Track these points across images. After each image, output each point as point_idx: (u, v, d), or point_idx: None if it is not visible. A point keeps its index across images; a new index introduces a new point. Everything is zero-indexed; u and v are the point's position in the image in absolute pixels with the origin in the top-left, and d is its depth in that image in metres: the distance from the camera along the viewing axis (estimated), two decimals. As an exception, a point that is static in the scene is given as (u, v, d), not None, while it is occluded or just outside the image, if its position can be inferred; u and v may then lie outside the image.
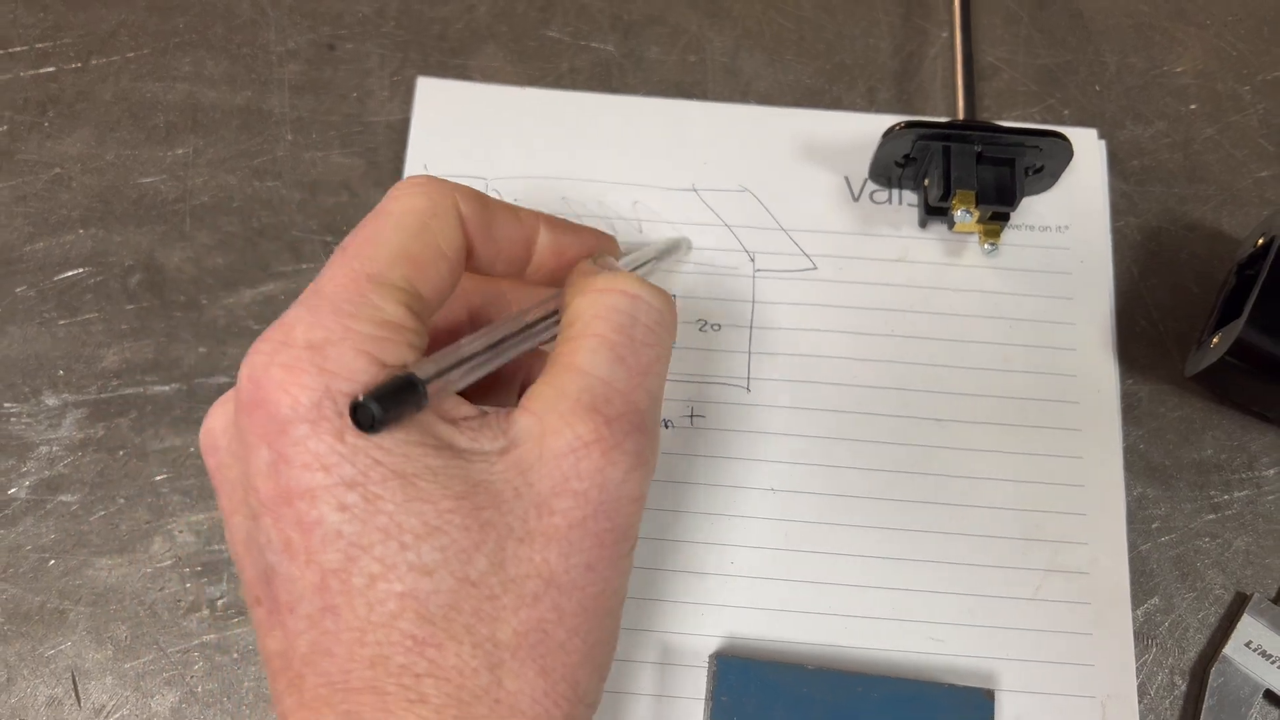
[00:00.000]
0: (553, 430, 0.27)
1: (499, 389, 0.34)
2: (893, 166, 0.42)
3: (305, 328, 0.26)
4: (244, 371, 0.26)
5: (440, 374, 0.26)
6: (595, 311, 0.29)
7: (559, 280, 0.33)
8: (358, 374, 0.25)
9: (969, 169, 0.40)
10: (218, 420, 0.28)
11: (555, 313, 0.31)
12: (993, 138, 0.40)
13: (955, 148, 0.40)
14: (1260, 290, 0.38)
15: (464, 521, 0.25)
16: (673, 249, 0.40)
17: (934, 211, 0.41)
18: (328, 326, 0.26)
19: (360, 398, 0.25)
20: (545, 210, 0.41)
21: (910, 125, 0.40)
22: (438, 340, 0.30)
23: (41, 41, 0.45)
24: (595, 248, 0.34)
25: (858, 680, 0.35)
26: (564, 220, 0.33)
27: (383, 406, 0.24)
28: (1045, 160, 0.41)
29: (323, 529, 0.25)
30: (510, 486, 0.26)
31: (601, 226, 0.42)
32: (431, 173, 0.43)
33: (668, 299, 0.30)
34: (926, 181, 0.41)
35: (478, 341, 0.28)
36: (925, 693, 0.35)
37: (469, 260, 0.30)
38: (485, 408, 0.28)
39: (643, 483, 0.28)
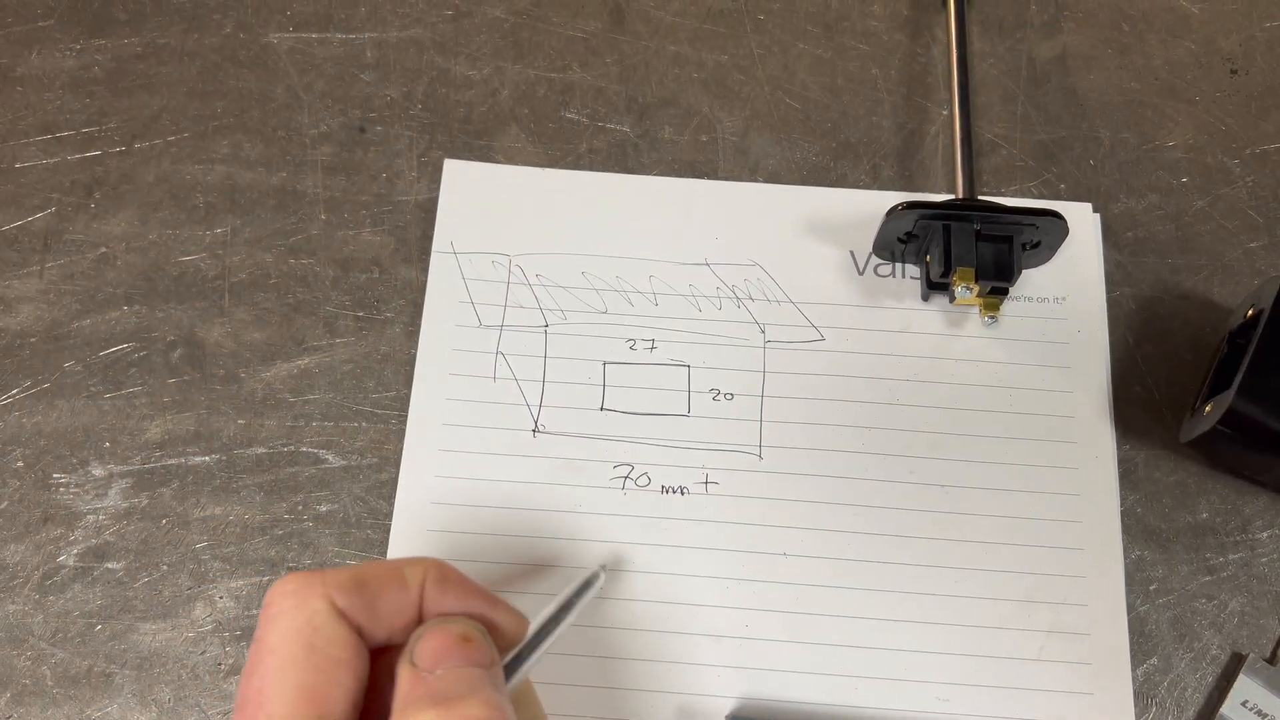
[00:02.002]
0: None
1: None
2: (895, 243, 0.44)
3: None
4: None
5: None
6: None
7: None
8: None
9: (968, 246, 0.42)
10: None
11: None
12: (991, 216, 0.42)
13: (955, 226, 0.42)
14: (1250, 361, 0.39)
15: None
16: (581, 592, 0.36)
17: (936, 286, 0.43)
18: None
19: None
20: (564, 284, 0.43)
21: (911, 205, 0.42)
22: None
23: (88, 127, 0.48)
24: (484, 619, 0.31)
25: (868, 741, 0.37)
26: (459, 582, 0.31)
27: None
28: (1042, 236, 0.43)
29: None
30: None
31: (618, 300, 0.44)
32: (457, 251, 0.45)
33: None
34: (928, 258, 0.43)
35: None
36: (932, 753, 0.37)
37: (364, 643, 0.29)
38: None
39: None
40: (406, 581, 0.30)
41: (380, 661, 0.30)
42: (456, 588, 0.31)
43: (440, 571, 0.31)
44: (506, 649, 0.32)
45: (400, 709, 0.28)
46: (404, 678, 0.29)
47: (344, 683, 0.28)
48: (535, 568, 0.41)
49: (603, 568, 0.38)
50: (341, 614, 0.29)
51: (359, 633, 0.29)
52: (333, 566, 0.32)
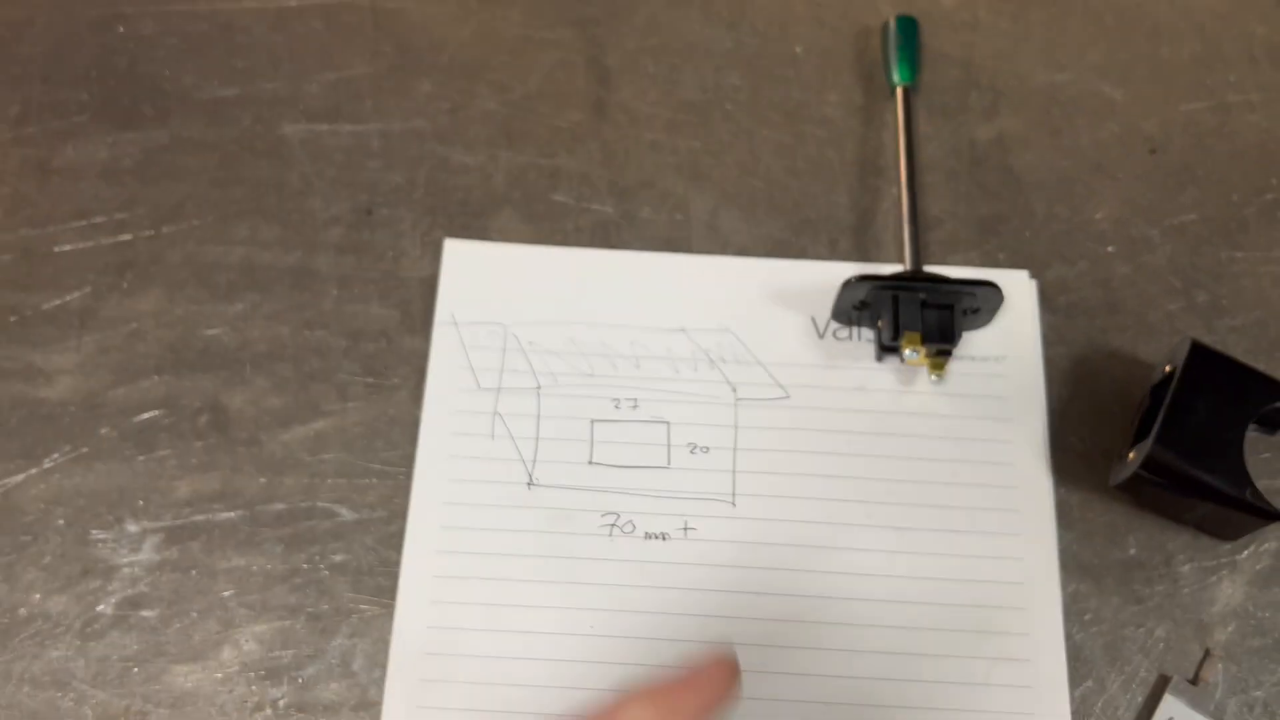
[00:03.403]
0: None
1: None
2: (851, 310, 0.49)
3: None
4: None
5: None
6: None
7: None
8: None
9: (915, 314, 0.47)
10: None
11: None
12: (935, 287, 0.47)
13: (903, 296, 0.47)
14: (1165, 414, 0.45)
15: None
16: None
17: (887, 349, 0.48)
18: None
19: None
20: (555, 349, 0.48)
21: (864, 278, 0.47)
22: None
23: (119, 213, 0.53)
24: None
25: (832, 759, 0.41)
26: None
27: None
28: (981, 304, 0.48)
29: None
30: None
31: (603, 364, 0.49)
32: (457, 322, 0.50)
33: None
34: (880, 324, 0.48)
35: None
36: (890, 769, 0.41)
37: None
38: None
39: None
40: None
41: None
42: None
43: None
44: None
45: None
46: None
47: None
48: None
49: None
50: None
51: None
52: None
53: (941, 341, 0.47)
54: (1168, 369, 0.47)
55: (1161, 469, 0.44)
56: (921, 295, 0.47)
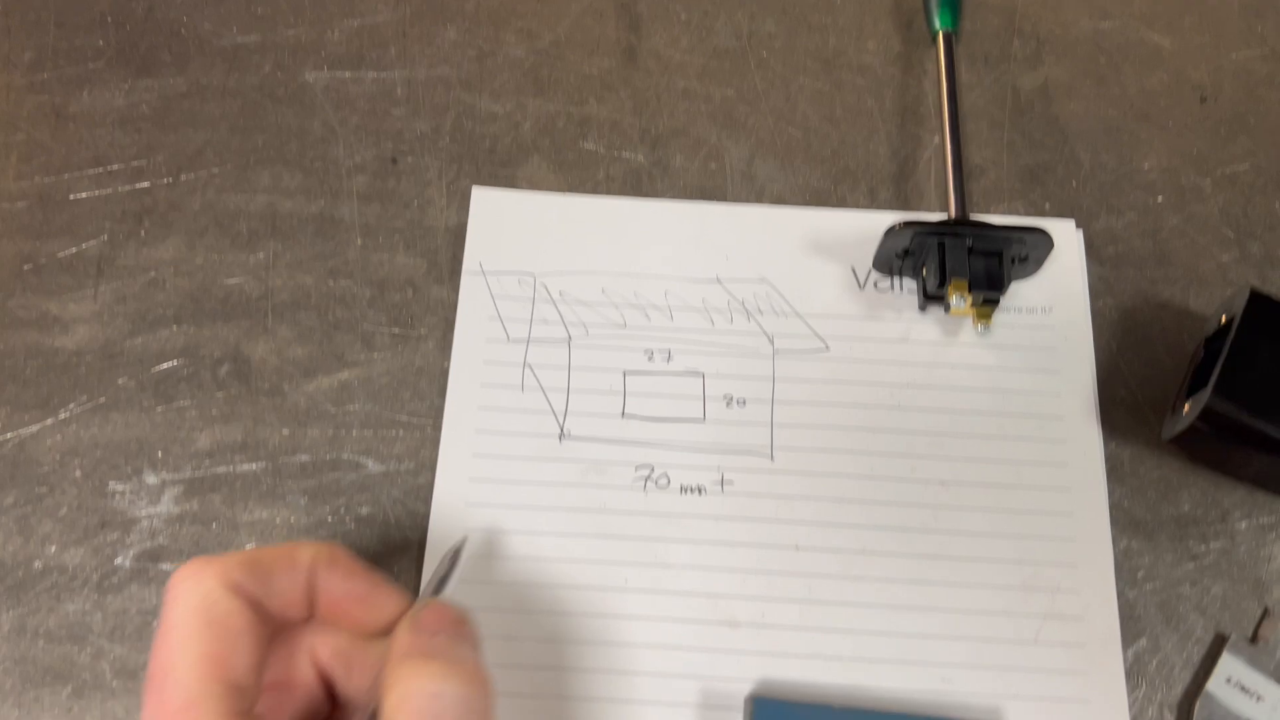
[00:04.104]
0: None
1: None
2: (894, 258, 0.47)
3: None
4: None
5: None
6: (401, 716, 0.29)
7: (342, 625, 0.34)
8: None
9: (961, 260, 0.45)
10: None
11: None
12: (982, 233, 0.45)
13: (949, 242, 0.45)
14: (1223, 363, 0.43)
15: None
16: (453, 557, 0.39)
17: (932, 298, 0.47)
18: None
19: None
20: (586, 300, 0.47)
21: (908, 224, 0.45)
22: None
23: (137, 160, 0.51)
24: (366, 597, 0.34)
25: (880, 718, 0.40)
26: (346, 564, 0.34)
27: None
28: (1029, 251, 0.46)
29: None
30: None
31: (636, 315, 0.48)
32: (485, 271, 0.48)
33: (475, 681, 0.31)
34: (924, 271, 0.46)
35: None
36: (939, 727, 0.40)
37: (265, 616, 0.32)
38: None
39: None
40: (297, 562, 0.33)
41: (278, 638, 0.34)
42: (344, 569, 0.34)
43: (330, 554, 0.34)
44: (390, 625, 0.34)
45: (399, 660, 0.31)
46: (404, 638, 0.32)
47: (244, 650, 0.31)
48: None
49: (464, 539, 0.41)
50: (236, 589, 0.32)
51: (256, 607, 0.32)
52: (226, 553, 0.35)
53: (989, 289, 0.45)
54: (1224, 319, 0.45)
55: (1220, 420, 0.42)
56: (968, 242, 0.45)
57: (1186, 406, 0.44)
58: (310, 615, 0.34)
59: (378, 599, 0.35)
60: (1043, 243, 0.46)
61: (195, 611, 0.31)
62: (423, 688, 0.30)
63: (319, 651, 0.35)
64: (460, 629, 0.33)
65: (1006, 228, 0.45)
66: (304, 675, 0.34)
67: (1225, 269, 0.49)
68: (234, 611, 0.31)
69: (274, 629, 0.33)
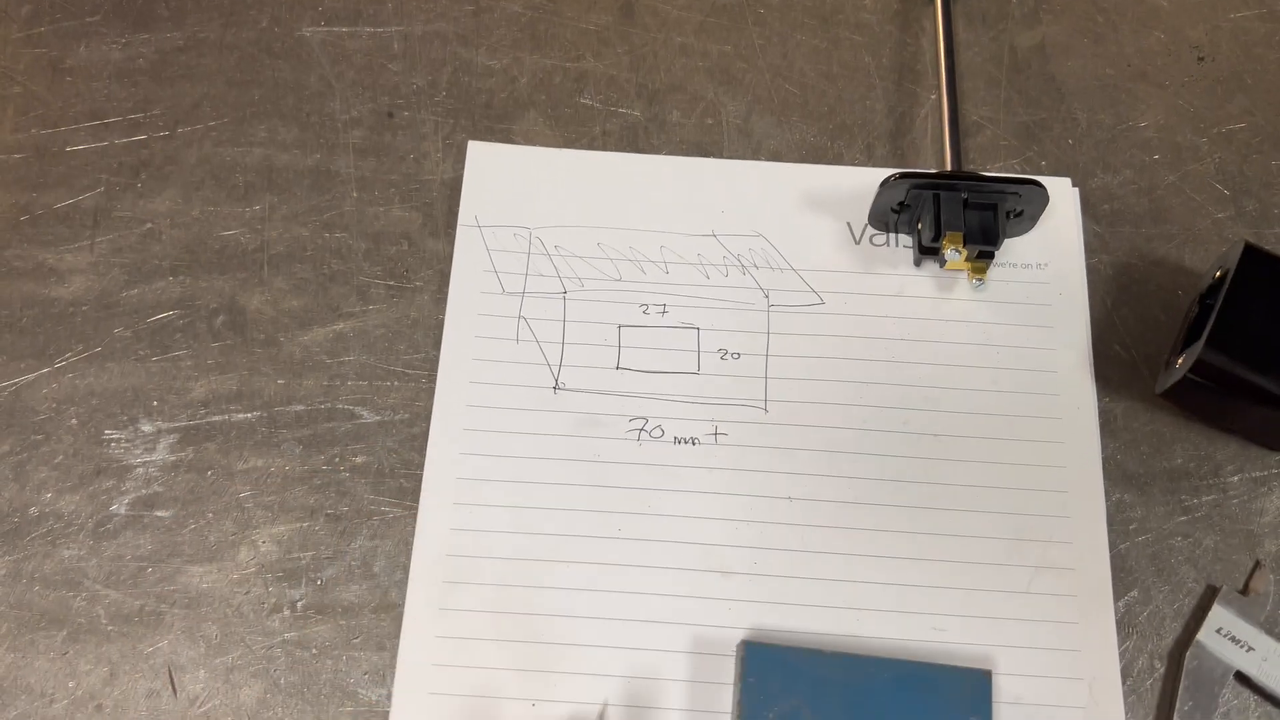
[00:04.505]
0: None
1: None
2: (889, 213, 0.47)
3: None
4: None
5: None
6: None
7: None
8: None
9: (957, 214, 0.45)
10: None
11: None
12: (978, 186, 0.45)
13: (944, 195, 0.45)
14: (1216, 316, 0.43)
15: None
16: None
17: (927, 251, 0.47)
18: None
19: None
20: (581, 253, 0.47)
21: (904, 175, 0.45)
22: None
23: (134, 113, 0.51)
24: None
25: (871, 663, 0.40)
26: None
27: None
28: (1025, 205, 0.46)
29: None
30: None
31: (632, 269, 0.48)
32: (481, 225, 0.48)
33: None
34: (920, 225, 0.46)
35: None
36: (931, 673, 0.40)
37: None
38: None
39: None
40: None
41: None
42: None
43: None
44: None
45: None
46: None
47: None
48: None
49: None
50: None
51: None
52: None
53: (984, 243, 0.45)
54: (1218, 274, 0.45)
55: (1212, 372, 0.42)
56: (964, 195, 0.45)
57: (1180, 360, 0.44)
58: None
59: None
60: (1038, 197, 0.46)
61: None
62: None
63: None
64: None
65: (1002, 179, 0.45)
66: None
67: (1221, 226, 0.49)
68: None
69: None
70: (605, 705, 0.41)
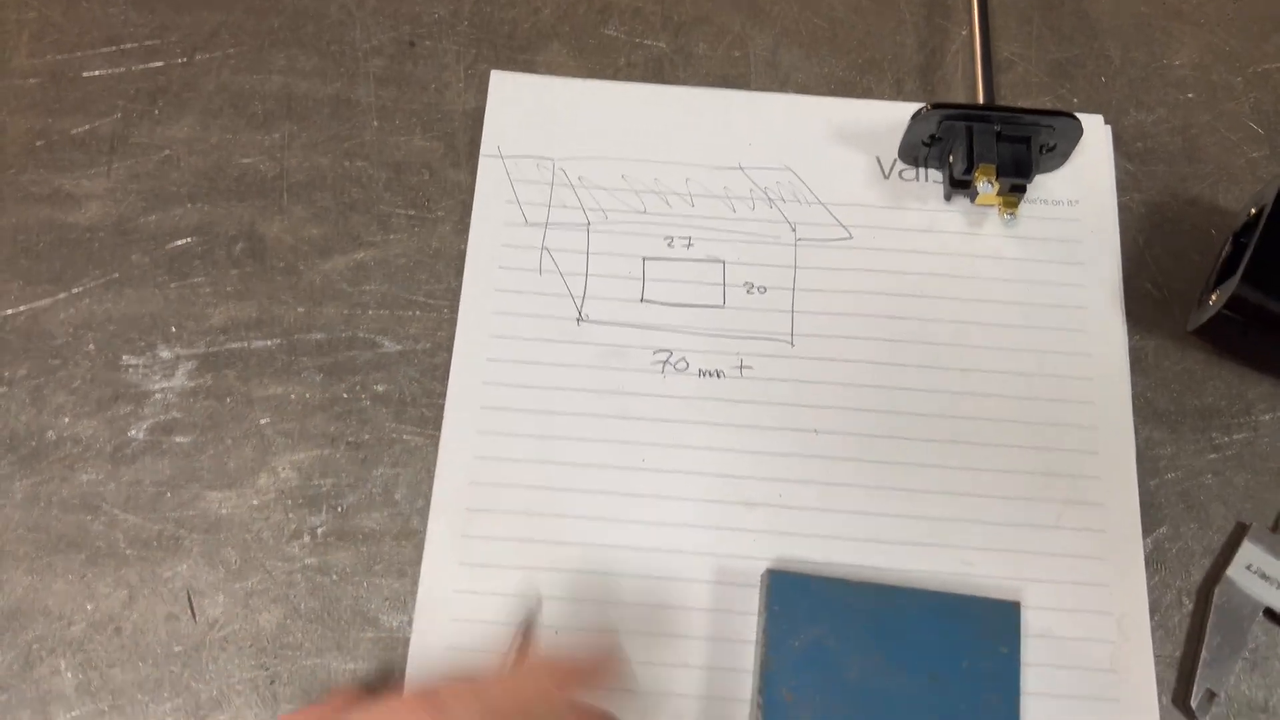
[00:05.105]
0: None
1: None
2: (920, 146, 0.47)
3: None
4: None
5: None
6: None
7: None
8: None
9: (989, 146, 0.45)
10: None
11: None
12: (1011, 117, 0.45)
13: (977, 127, 0.45)
14: (1253, 252, 0.42)
15: None
16: (530, 617, 0.41)
17: (958, 184, 0.46)
18: None
19: None
20: (605, 185, 0.47)
21: (937, 106, 0.44)
22: None
23: (150, 39, 0.50)
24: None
25: (898, 593, 0.39)
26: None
27: None
28: (1058, 139, 0.45)
29: None
30: None
31: (657, 201, 0.47)
32: (504, 155, 0.48)
33: None
34: (951, 158, 0.46)
35: None
36: (959, 604, 0.39)
37: None
38: None
39: None
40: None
41: None
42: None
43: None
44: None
45: None
46: None
47: None
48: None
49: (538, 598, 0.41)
50: None
51: None
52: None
53: (1017, 175, 0.44)
54: (1253, 212, 0.44)
55: (1247, 307, 0.42)
56: (997, 127, 0.45)
57: (1213, 297, 0.44)
58: None
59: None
60: (1071, 130, 0.45)
61: None
62: None
63: None
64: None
65: (1036, 111, 0.45)
66: None
67: (1255, 165, 0.48)
68: None
69: None
70: (628, 634, 0.40)
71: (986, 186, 0.44)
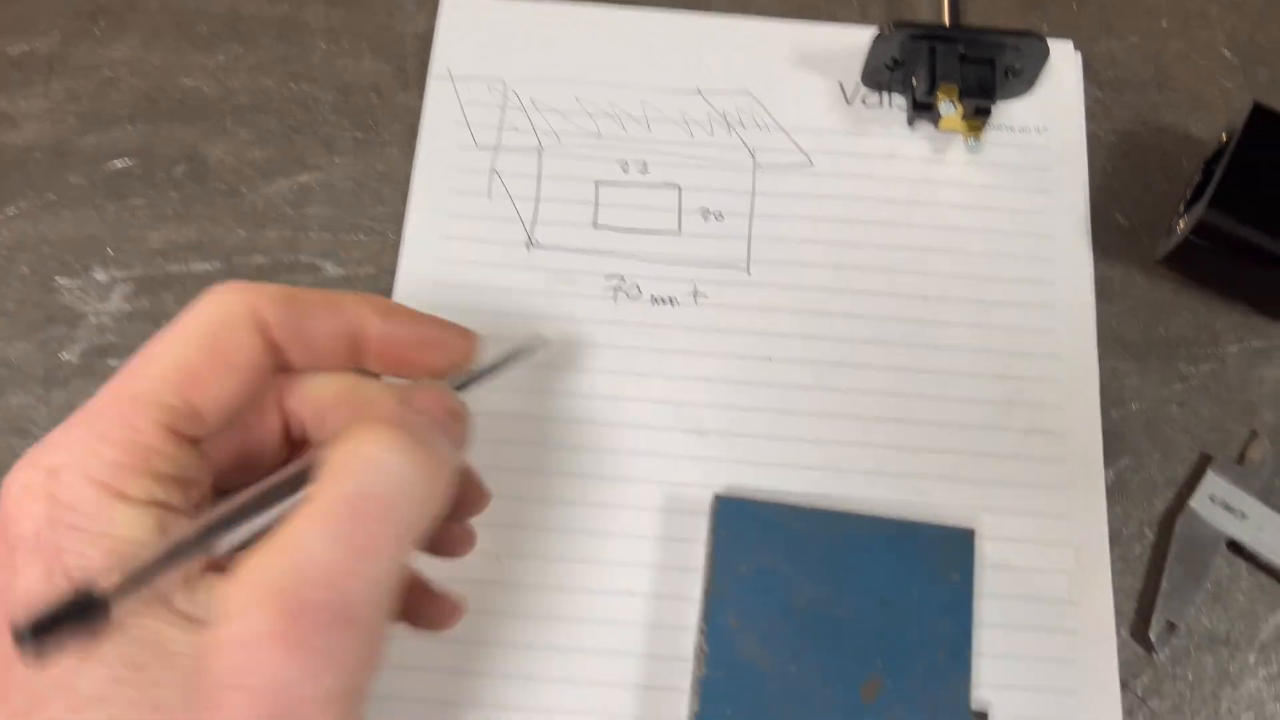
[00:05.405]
0: (237, 613, 0.24)
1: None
2: (883, 70, 0.45)
3: (53, 449, 0.26)
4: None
5: (133, 582, 0.24)
6: (329, 471, 0.26)
7: (402, 371, 0.31)
8: (85, 504, 0.25)
9: (953, 67, 0.43)
10: None
11: (302, 476, 0.27)
12: (974, 37, 0.43)
13: (940, 47, 0.43)
14: (1221, 176, 0.41)
15: (134, 696, 0.23)
16: (521, 353, 0.36)
17: (921, 108, 0.45)
18: (72, 448, 0.25)
19: (23, 622, 0.23)
20: (559, 108, 0.45)
21: (899, 25, 0.43)
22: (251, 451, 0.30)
23: (93, -41, 0.49)
24: (436, 340, 0.31)
25: (848, 519, 0.38)
26: (405, 310, 0.31)
27: (42, 635, 0.23)
28: (1023, 61, 0.44)
29: (12, 671, 0.24)
30: (191, 667, 0.24)
31: (611, 124, 0.45)
32: (454, 76, 0.46)
33: (430, 471, 0.27)
34: (914, 80, 0.44)
35: (197, 525, 0.26)
36: (912, 530, 0.38)
37: (283, 361, 0.29)
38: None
39: (334, 684, 0.24)
40: (341, 309, 0.30)
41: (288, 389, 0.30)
42: (406, 314, 0.31)
43: (383, 302, 0.30)
44: (456, 365, 0.32)
45: (366, 420, 0.27)
46: (385, 404, 0.29)
47: (227, 388, 0.27)
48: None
49: (539, 338, 0.37)
50: (261, 326, 0.28)
51: (277, 351, 0.29)
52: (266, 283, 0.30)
53: (981, 97, 0.43)
54: (1224, 138, 0.43)
55: (1215, 233, 0.41)
56: (960, 48, 0.43)
57: (1182, 223, 0.42)
58: (347, 363, 0.31)
59: (449, 341, 0.32)
60: (1037, 51, 0.43)
61: (205, 329, 0.28)
62: (369, 452, 0.26)
63: (291, 398, 0.30)
64: (450, 422, 0.30)
65: (999, 31, 0.43)
66: (267, 420, 0.30)
67: (1229, 95, 0.47)
68: (243, 348, 0.28)
69: (271, 374, 0.29)
70: (573, 561, 0.39)
71: (949, 107, 0.43)
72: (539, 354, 0.38)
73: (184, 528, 0.26)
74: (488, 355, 0.34)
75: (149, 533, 0.25)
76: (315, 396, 0.30)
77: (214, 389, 0.27)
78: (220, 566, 0.26)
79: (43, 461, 0.25)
